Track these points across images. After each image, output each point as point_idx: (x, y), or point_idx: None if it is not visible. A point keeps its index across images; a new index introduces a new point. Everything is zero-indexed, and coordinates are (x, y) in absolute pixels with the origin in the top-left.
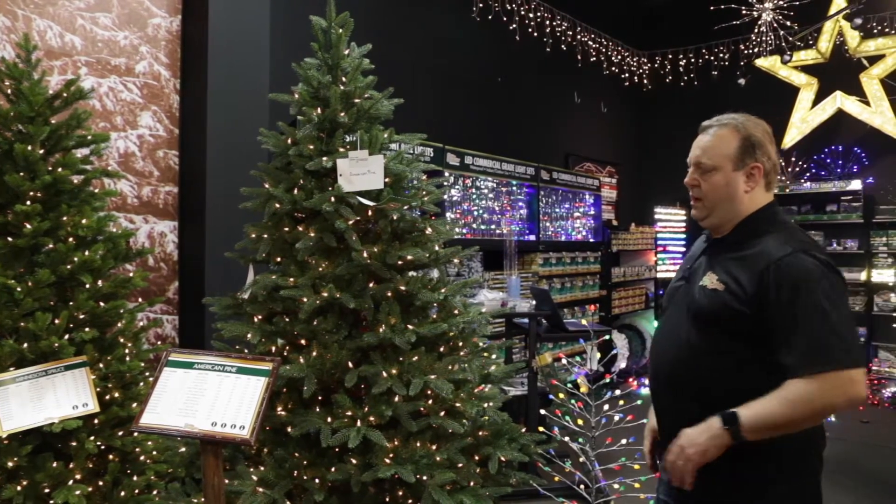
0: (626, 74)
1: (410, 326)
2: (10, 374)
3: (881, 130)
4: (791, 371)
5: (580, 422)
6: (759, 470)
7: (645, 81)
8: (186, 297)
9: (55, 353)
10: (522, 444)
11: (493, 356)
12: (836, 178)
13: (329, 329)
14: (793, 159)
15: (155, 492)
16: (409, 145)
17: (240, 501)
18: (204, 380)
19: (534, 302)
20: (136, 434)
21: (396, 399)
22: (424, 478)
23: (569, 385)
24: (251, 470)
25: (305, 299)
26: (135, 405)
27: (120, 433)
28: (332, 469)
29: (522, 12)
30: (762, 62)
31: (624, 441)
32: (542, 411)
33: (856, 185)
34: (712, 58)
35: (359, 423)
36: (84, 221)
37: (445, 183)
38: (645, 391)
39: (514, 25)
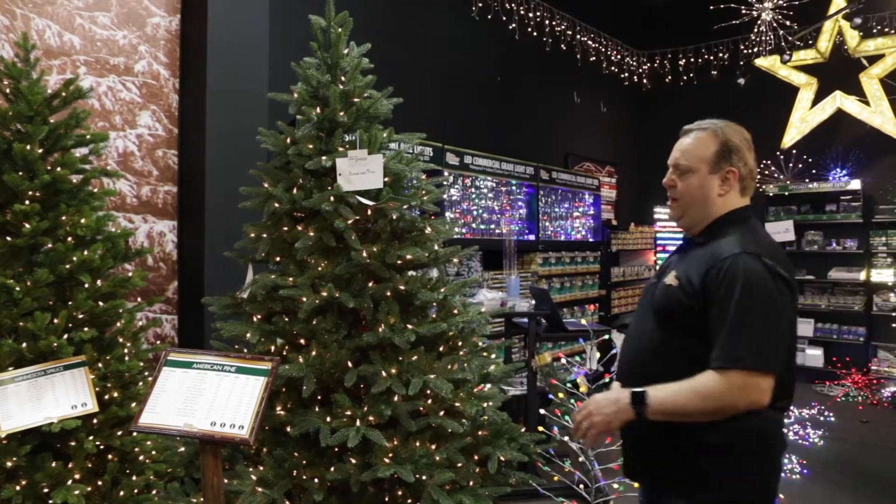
0: (626, 74)
1: (410, 326)
2: (9, 374)
3: (881, 130)
4: (710, 363)
5: None
6: (714, 464)
7: (644, 81)
8: (186, 296)
9: (54, 352)
10: (522, 444)
11: (493, 356)
12: (836, 177)
13: (328, 328)
14: (792, 159)
15: (154, 491)
16: (408, 145)
17: (239, 501)
18: (203, 379)
19: (533, 301)
20: (135, 434)
21: (396, 399)
22: (424, 477)
23: (568, 385)
24: (250, 470)
25: (305, 299)
26: (134, 405)
27: (119, 433)
28: (332, 469)
29: (522, 12)
30: (762, 62)
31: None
32: (542, 411)
33: (855, 184)
34: (712, 57)
35: (358, 423)
36: (83, 221)
37: (445, 182)
38: None
39: (514, 25)
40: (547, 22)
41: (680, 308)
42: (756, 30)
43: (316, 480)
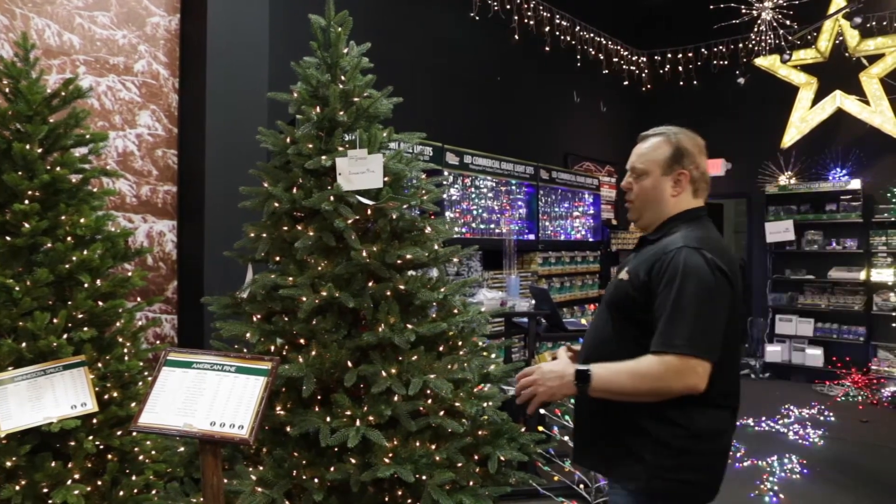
0: (626, 74)
1: (410, 326)
2: (8, 374)
3: (881, 130)
4: (650, 348)
5: None
6: (655, 457)
7: (644, 81)
8: (185, 296)
9: (54, 352)
10: (522, 444)
11: (493, 355)
12: (836, 177)
13: (328, 328)
14: (792, 159)
15: (154, 491)
16: (408, 144)
17: (239, 501)
18: (203, 379)
19: (533, 301)
20: (134, 434)
21: (396, 398)
22: (424, 477)
23: None
24: (250, 469)
25: (304, 298)
26: (133, 405)
27: (119, 433)
28: (332, 469)
29: (522, 11)
30: (762, 61)
31: None
32: (542, 410)
33: (855, 184)
34: (712, 57)
35: (358, 423)
36: (82, 221)
37: (444, 182)
38: None
39: (514, 25)
40: (547, 22)
41: (629, 301)
42: (756, 29)
43: (316, 480)
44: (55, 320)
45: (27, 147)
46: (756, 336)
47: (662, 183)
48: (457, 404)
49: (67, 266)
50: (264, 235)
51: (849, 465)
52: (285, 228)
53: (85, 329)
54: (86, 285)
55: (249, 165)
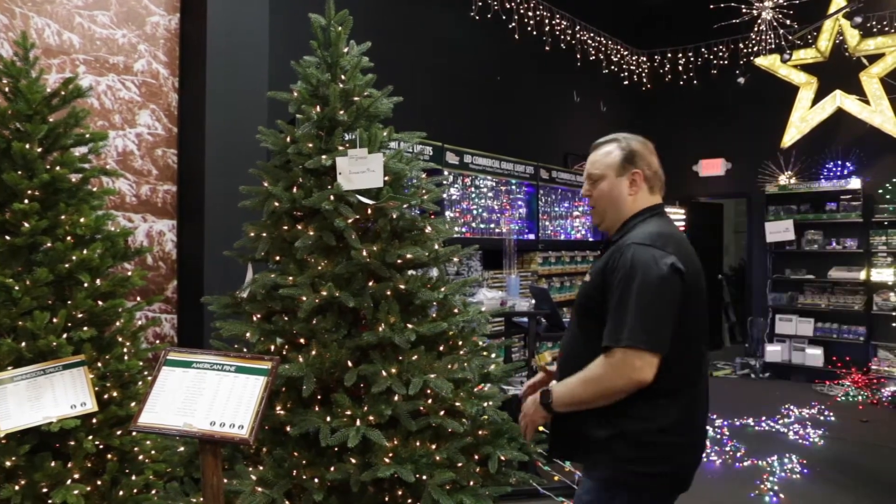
0: (626, 73)
1: (410, 325)
2: (7, 374)
3: (881, 129)
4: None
5: None
6: (609, 452)
7: (644, 80)
8: (185, 295)
9: (53, 352)
10: (522, 444)
11: (493, 355)
12: (836, 176)
13: (328, 328)
14: (792, 158)
15: (153, 491)
16: (408, 144)
17: (239, 501)
18: (202, 379)
19: (533, 301)
20: (134, 433)
21: (396, 398)
22: (424, 477)
23: None
24: (250, 469)
25: (304, 298)
26: (133, 404)
27: (118, 432)
28: (332, 468)
29: (521, 11)
30: (762, 61)
31: None
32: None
33: (855, 183)
34: (712, 57)
35: (358, 423)
36: (82, 220)
37: (445, 182)
38: None
39: (514, 24)
40: (547, 21)
41: (592, 302)
42: (756, 29)
43: (316, 480)
44: (55, 320)
45: (27, 146)
46: (756, 336)
47: (619, 184)
48: (457, 404)
49: (67, 265)
50: (264, 235)
51: (849, 464)
52: (285, 228)
53: (85, 329)
54: (85, 285)
55: (249, 165)
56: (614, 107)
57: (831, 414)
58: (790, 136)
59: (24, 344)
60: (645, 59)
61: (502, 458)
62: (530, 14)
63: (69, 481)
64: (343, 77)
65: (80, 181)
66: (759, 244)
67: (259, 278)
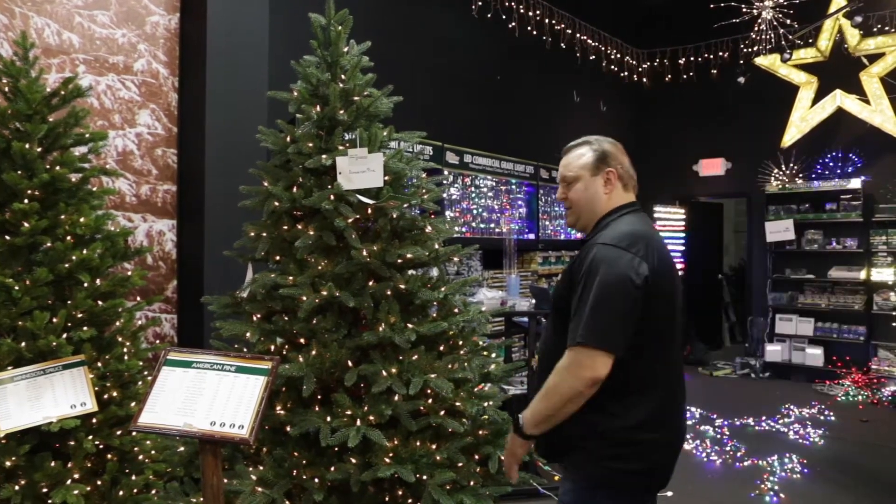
0: (626, 73)
1: (410, 325)
2: (7, 374)
3: (881, 129)
4: None
5: None
6: (586, 452)
7: (644, 80)
8: (185, 295)
9: (53, 352)
10: None
11: (493, 355)
12: (836, 176)
13: (328, 328)
14: (792, 158)
15: (153, 491)
16: (408, 143)
17: (239, 501)
18: (203, 379)
19: (533, 301)
20: (134, 433)
21: (396, 398)
22: (424, 477)
23: None
24: (250, 469)
25: (304, 298)
26: (133, 404)
27: (118, 432)
28: (332, 468)
29: (521, 11)
30: (762, 60)
31: None
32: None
33: (855, 183)
34: (712, 56)
35: (358, 423)
36: (82, 220)
37: (445, 181)
38: None
39: (514, 24)
40: (547, 21)
41: (563, 301)
42: (756, 28)
43: (316, 480)
44: (55, 320)
45: (27, 146)
46: (756, 336)
47: (594, 184)
48: (457, 404)
49: (67, 265)
50: (264, 235)
51: (849, 464)
52: (285, 227)
53: (84, 328)
54: (85, 285)
55: (249, 164)
56: (614, 107)
57: (831, 414)
58: (790, 136)
59: (24, 344)
60: (645, 58)
61: (502, 458)
62: (530, 14)
63: (69, 481)
64: (343, 76)
65: (79, 181)
66: (759, 244)
67: (259, 278)
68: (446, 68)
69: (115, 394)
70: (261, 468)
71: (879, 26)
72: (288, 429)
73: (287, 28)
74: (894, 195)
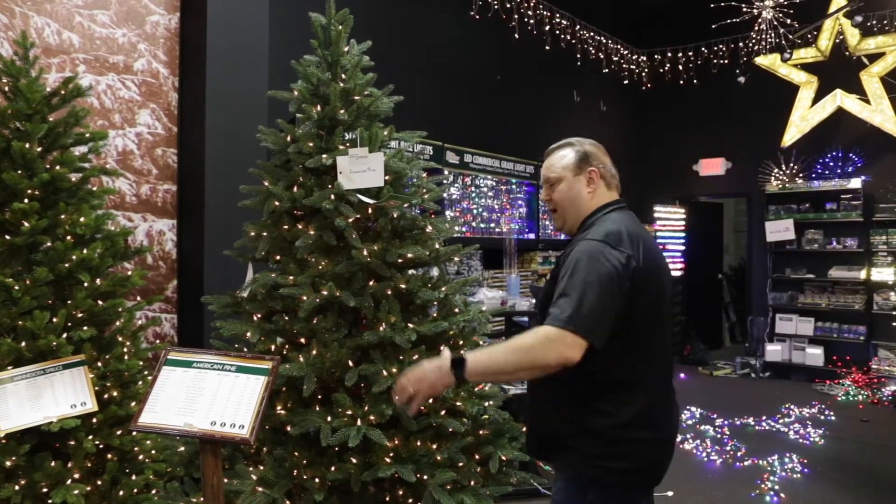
0: (626, 73)
1: (410, 325)
2: (7, 373)
3: (881, 128)
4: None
5: None
6: (579, 449)
7: (644, 80)
8: (185, 295)
9: (53, 351)
10: (523, 443)
11: None
12: (836, 176)
13: (329, 327)
14: (793, 158)
15: (154, 491)
16: (408, 143)
17: (239, 501)
18: (203, 379)
19: (533, 300)
20: (134, 433)
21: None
22: (425, 477)
23: None
24: (251, 469)
25: (305, 298)
26: (133, 404)
27: (118, 432)
28: (332, 468)
29: (521, 11)
30: (762, 60)
31: None
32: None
33: (855, 183)
34: (712, 56)
35: (359, 422)
36: (82, 220)
37: (445, 181)
38: None
39: (514, 24)
40: (546, 21)
41: (547, 297)
42: (756, 28)
43: (316, 480)
44: (55, 319)
45: (27, 146)
46: (756, 335)
47: (577, 184)
48: (458, 404)
49: (67, 265)
50: (264, 234)
51: (849, 464)
52: (286, 227)
53: (84, 328)
54: (85, 284)
55: (249, 164)
56: (614, 107)
57: (831, 413)
58: (790, 136)
59: (24, 344)
60: (645, 58)
61: (503, 457)
62: (530, 14)
63: (69, 481)
64: (343, 76)
65: (79, 181)
66: (759, 243)
67: (259, 278)
68: (446, 68)
69: (115, 393)
70: (261, 468)
71: (879, 26)
72: (288, 429)
73: (287, 28)
74: (894, 195)
